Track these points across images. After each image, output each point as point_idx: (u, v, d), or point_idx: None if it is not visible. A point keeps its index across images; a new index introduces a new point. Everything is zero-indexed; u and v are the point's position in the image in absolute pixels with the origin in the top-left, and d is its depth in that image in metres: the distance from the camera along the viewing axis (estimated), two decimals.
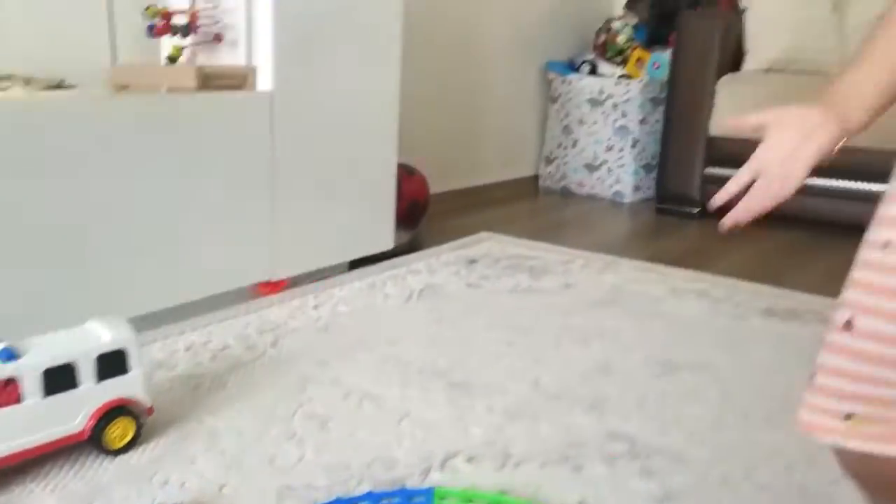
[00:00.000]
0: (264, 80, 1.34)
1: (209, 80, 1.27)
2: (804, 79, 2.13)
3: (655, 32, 2.54)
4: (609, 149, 2.60)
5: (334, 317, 1.32)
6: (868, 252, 0.51)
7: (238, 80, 1.31)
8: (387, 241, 1.73)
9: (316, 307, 1.37)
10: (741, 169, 0.64)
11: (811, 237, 2.05)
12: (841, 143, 0.61)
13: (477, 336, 1.26)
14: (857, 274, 0.52)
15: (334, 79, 1.47)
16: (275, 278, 1.45)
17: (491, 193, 2.69)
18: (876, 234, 0.51)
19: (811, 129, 0.61)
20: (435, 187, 2.40)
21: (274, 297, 1.41)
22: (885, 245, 0.50)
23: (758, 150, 0.64)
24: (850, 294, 0.52)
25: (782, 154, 0.62)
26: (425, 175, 2.09)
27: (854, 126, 0.61)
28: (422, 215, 2.08)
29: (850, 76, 0.61)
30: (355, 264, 1.67)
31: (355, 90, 1.53)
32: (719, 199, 0.66)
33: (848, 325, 0.51)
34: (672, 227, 2.26)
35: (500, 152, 2.76)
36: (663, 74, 2.39)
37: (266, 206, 1.39)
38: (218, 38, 1.34)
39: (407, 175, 2.02)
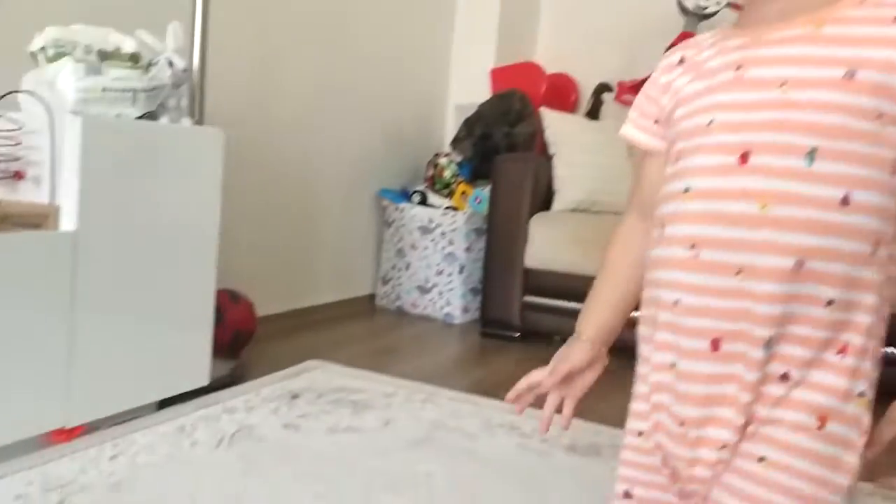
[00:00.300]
0: (68, 220, 1.29)
1: (4, 219, 1.20)
2: (605, 217, 2.39)
3: (478, 169, 2.75)
4: (439, 273, 2.72)
5: (132, 469, 1.24)
6: (628, 438, 0.73)
7: (38, 219, 1.26)
8: (202, 377, 1.66)
9: (113, 457, 1.28)
10: (529, 375, 0.84)
11: (618, 365, 2.23)
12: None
13: (285, 488, 1.23)
14: (623, 454, 0.73)
15: (147, 212, 1.45)
16: (69, 425, 1.34)
17: (328, 313, 2.70)
18: (631, 424, 0.73)
19: (584, 375, 0.83)
20: (268, 308, 2.37)
21: (67, 446, 1.31)
22: (639, 433, 0.72)
23: (536, 374, 0.84)
24: (622, 470, 0.73)
25: (562, 388, 0.84)
26: (256, 298, 2.08)
27: (608, 348, 0.84)
28: (246, 344, 2.03)
29: (596, 317, 0.83)
30: (168, 402, 1.58)
31: (171, 222, 1.51)
32: (510, 397, 0.85)
33: (627, 494, 0.73)
34: (495, 350, 2.37)
35: (337, 272, 2.79)
36: (485, 208, 2.57)
37: (62, 348, 1.31)
38: (19, 175, 1.28)
39: (231, 302, 1.98)
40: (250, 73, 2.30)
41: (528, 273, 2.36)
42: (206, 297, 1.65)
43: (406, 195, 2.85)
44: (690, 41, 0.75)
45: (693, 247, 0.66)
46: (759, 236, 0.62)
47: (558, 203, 2.41)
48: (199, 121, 1.63)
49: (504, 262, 2.39)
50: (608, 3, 2.95)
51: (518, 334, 2.42)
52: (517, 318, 2.41)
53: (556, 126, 2.46)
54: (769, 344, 0.62)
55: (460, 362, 2.32)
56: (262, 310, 2.34)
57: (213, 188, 1.60)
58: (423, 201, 2.78)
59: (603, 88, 2.79)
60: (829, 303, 0.61)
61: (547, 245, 2.29)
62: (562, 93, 3.02)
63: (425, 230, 2.72)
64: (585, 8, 3.11)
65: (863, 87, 0.60)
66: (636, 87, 2.61)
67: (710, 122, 0.66)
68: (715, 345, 0.65)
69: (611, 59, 2.97)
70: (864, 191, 0.61)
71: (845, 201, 0.60)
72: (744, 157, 0.63)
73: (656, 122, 0.76)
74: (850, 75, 0.60)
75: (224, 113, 2.14)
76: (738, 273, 0.63)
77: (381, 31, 2.79)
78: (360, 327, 2.63)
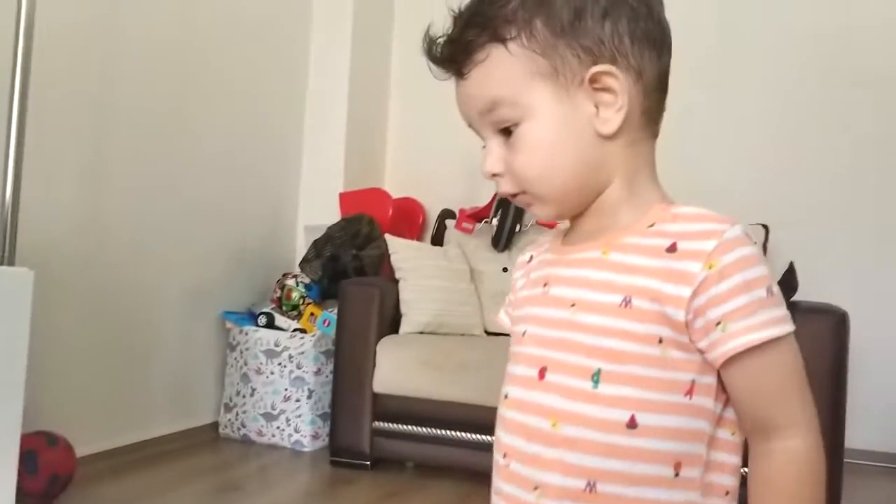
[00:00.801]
0: None
1: None
2: (452, 339, 2.43)
3: (327, 291, 2.73)
4: (287, 399, 2.61)
5: None
6: None
7: None
8: None
9: None
10: None
11: (473, 489, 2.20)
12: None
13: None
14: None
15: None
16: None
17: (166, 445, 2.49)
18: None
19: None
20: (97, 445, 2.20)
21: None
22: None
23: None
24: None
25: None
26: (84, 435, 1.97)
27: None
28: (63, 489, 1.87)
29: None
30: None
31: None
32: None
33: None
34: (345, 481, 2.28)
35: (176, 401, 2.61)
36: (333, 331, 2.54)
37: None
38: None
39: (48, 446, 1.83)
40: (77, 197, 2.19)
41: (378, 398, 2.32)
42: (9, 444, 1.49)
43: (253, 317, 2.76)
44: (539, 240, 0.77)
45: (505, 456, 0.67)
46: (552, 454, 0.62)
47: (405, 326, 2.43)
48: (10, 260, 1.52)
49: (353, 387, 2.35)
50: (450, 133, 3.12)
51: (369, 462, 2.35)
52: (368, 445, 2.34)
53: (401, 252, 2.53)
54: None
55: (308, 498, 2.20)
56: (90, 448, 2.16)
57: (19, 330, 1.48)
58: (270, 323, 2.70)
59: (447, 214, 2.91)
60: None
61: (395, 369, 2.28)
62: (409, 216, 3.12)
63: (271, 353, 2.63)
64: (429, 137, 3.28)
65: (639, 315, 0.60)
66: (475, 215, 2.75)
67: (524, 332, 0.68)
68: None
69: (455, 186, 3.13)
70: (654, 414, 0.60)
71: (632, 424, 0.60)
72: (541, 373, 0.64)
73: None
74: (627, 302, 0.61)
75: (45, 244, 2.02)
76: (535, 489, 0.63)
77: (228, 150, 2.78)
78: (201, 461, 2.45)
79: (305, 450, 2.58)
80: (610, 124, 0.63)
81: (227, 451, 2.58)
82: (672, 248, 0.61)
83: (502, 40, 0.63)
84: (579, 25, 0.63)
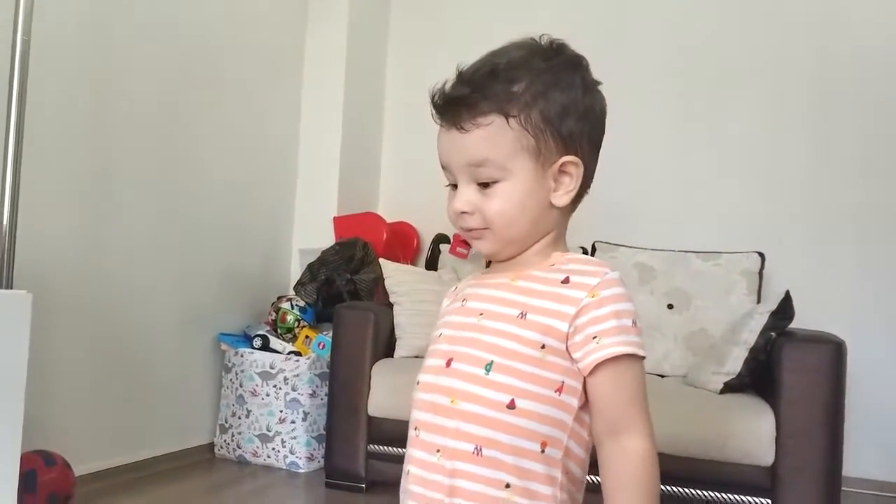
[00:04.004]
0: None
1: None
2: None
3: (322, 314, 2.77)
4: (282, 420, 2.64)
5: None
6: None
7: None
8: None
9: None
10: None
11: None
12: None
13: None
14: None
15: None
16: None
17: (162, 465, 2.52)
18: None
19: None
20: (96, 464, 2.24)
21: None
22: None
23: None
24: None
25: None
26: (81, 454, 2.00)
27: None
28: None
29: None
30: None
31: None
32: None
33: None
34: (340, 503, 2.31)
35: (172, 421, 2.64)
36: (328, 354, 2.58)
37: None
38: None
39: (45, 465, 1.86)
40: (75, 221, 2.22)
41: (373, 421, 2.35)
42: (9, 463, 1.51)
43: (248, 339, 2.79)
44: (465, 278, 0.95)
45: (416, 428, 0.84)
46: (451, 424, 0.79)
47: (400, 350, 2.46)
48: (9, 283, 1.56)
49: (347, 411, 2.38)
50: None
51: (364, 485, 2.38)
52: (363, 468, 2.37)
53: (395, 276, 2.56)
54: None
55: None
56: (87, 467, 2.20)
57: (18, 351, 1.51)
58: (265, 345, 2.73)
59: (441, 239, 2.95)
60: (507, 486, 0.77)
61: (390, 393, 2.32)
62: (403, 240, 3.16)
63: (267, 375, 2.66)
64: (423, 161, 3.30)
65: (530, 325, 0.79)
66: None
67: (440, 334, 0.87)
68: None
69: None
70: (528, 400, 0.77)
71: (511, 406, 0.77)
72: (448, 363, 0.82)
73: None
74: (522, 315, 0.80)
75: (43, 267, 2.05)
76: (437, 451, 0.80)
77: (224, 174, 2.81)
78: (196, 482, 2.48)
79: (301, 471, 2.61)
80: (562, 200, 0.83)
81: (222, 472, 2.60)
82: (566, 281, 0.80)
83: (506, 115, 0.79)
84: (563, 121, 0.81)
